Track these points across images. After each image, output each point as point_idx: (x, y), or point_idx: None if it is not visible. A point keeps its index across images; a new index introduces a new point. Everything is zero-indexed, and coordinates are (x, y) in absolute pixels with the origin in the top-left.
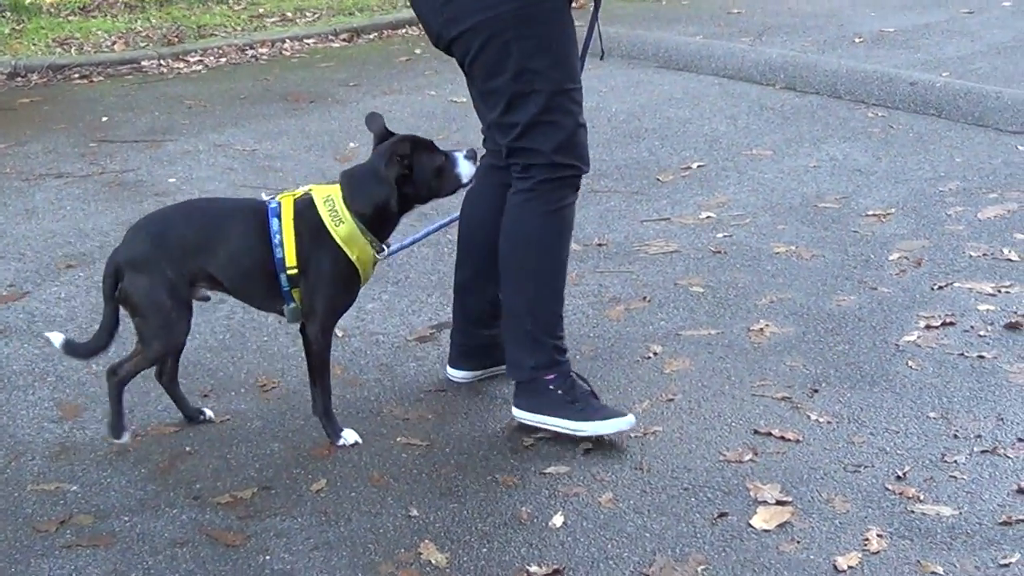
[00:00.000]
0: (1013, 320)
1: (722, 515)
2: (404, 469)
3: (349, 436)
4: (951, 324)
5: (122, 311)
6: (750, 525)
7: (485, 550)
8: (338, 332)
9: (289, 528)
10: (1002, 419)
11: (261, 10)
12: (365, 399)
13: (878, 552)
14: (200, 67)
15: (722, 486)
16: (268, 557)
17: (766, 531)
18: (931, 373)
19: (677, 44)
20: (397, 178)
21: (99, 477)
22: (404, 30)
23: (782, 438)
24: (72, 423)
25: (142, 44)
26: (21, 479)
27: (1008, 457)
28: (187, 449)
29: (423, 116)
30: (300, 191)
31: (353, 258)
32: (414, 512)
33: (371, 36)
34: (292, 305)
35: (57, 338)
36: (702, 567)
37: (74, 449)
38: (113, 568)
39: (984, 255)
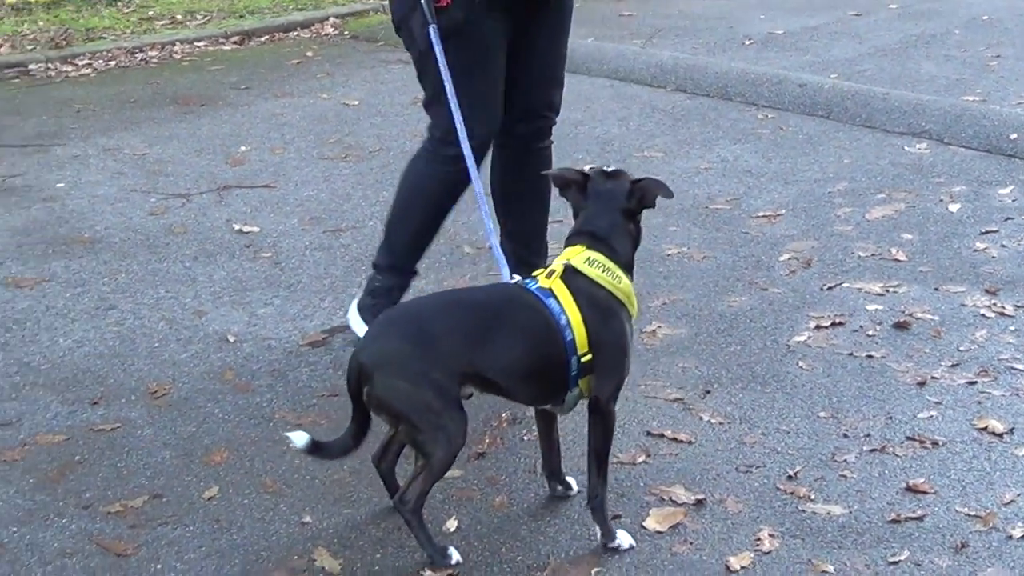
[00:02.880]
0: (901, 319)
1: (615, 517)
2: (297, 475)
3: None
4: (840, 324)
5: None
6: (643, 527)
7: (379, 555)
8: (229, 338)
9: (181, 536)
10: (891, 418)
11: (151, 12)
12: (257, 405)
13: (770, 552)
14: (89, 70)
15: (615, 488)
16: (160, 566)
17: (659, 532)
18: (821, 373)
19: (569, 46)
20: (633, 212)
21: None
22: (296, 33)
23: (675, 439)
24: None
25: (29, 47)
26: None
27: (897, 455)
28: (76, 458)
29: (315, 119)
30: (552, 267)
31: (634, 313)
32: (307, 519)
33: (262, 39)
34: (575, 391)
35: (301, 438)
36: (595, 569)
37: None
38: None
39: (872, 255)
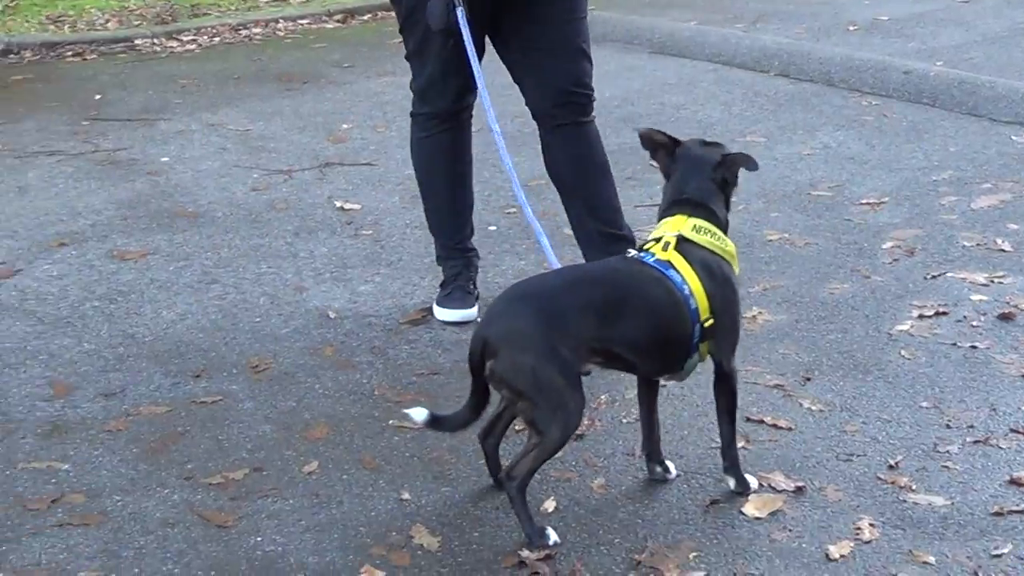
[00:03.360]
0: (1006, 310)
1: (714, 502)
2: (396, 452)
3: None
4: (944, 314)
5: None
6: (742, 512)
7: (477, 534)
8: (330, 314)
9: (280, 510)
10: (994, 409)
11: None
12: (357, 382)
13: (870, 541)
14: (194, 46)
15: (714, 473)
16: (259, 538)
17: (758, 519)
18: (924, 363)
19: (671, 30)
20: (722, 181)
21: (91, 456)
22: None
23: (774, 426)
24: (64, 401)
25: (136, 23)
26: (12, 457)
27: (1000, 448)
28: (179, 430)
29: None
30: (659, 235)
31: (737, 271)
32: (406, 495)
33: (365, 17)
34: (695, 357)
35: (420, 414)
36: (694, 554)
37: (66, 428)
38: (104, 547)
39: (977, 245)
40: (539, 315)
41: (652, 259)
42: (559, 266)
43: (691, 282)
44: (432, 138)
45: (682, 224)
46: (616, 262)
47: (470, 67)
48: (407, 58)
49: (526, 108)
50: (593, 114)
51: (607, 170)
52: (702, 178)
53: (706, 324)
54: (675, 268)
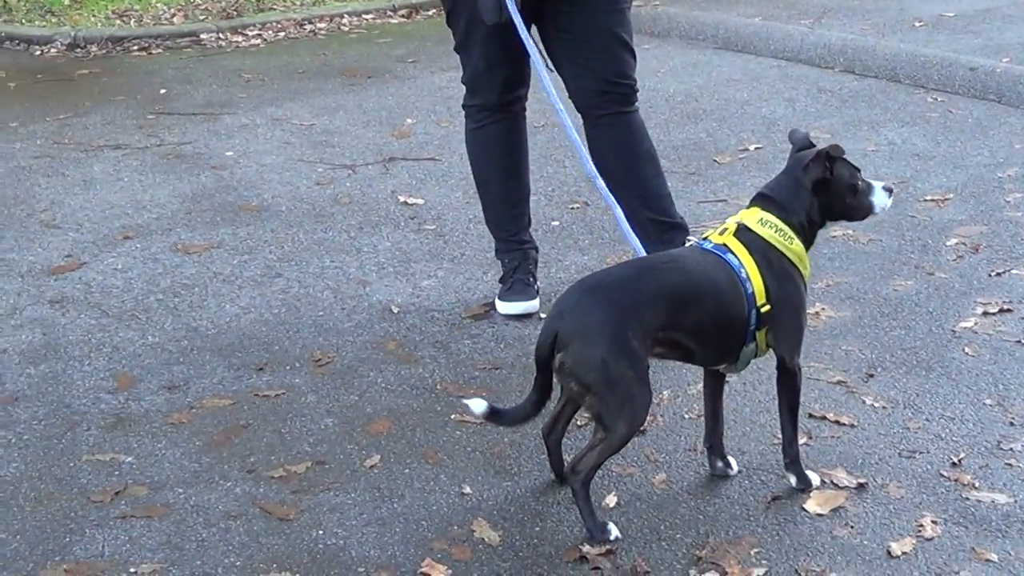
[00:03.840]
0: None
1: (776, 498)
2: (458, 447)
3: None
4: (1008, 311)
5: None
6: (804, 509)
7: (538, 529)
8: (393, 308)
9: (342, 503)
10: None
11: None
12: (420, 376)
13: (932, 539)
14: (259, 41)
15: (776, 469)
16: (321, 532)
17: (820, 515)
18: (987, 360)
19: (736, 25)
20: (816, 182)
21: (154, 448)
22: None
23: (837, 422)
24: (128, 394)
25: (201, 17)
26: (77, 449)
27: None
28: (241, 423)
29: None
30: (725, 226)
31: (806, 275)
32: (467, 490)
33: (430, 12)
34: (751, 346)
35: (479, 406)
36: (755, 550)
37: (129, 420)
38: (167, 539)
39: None
40: (611, 307)
41: (710, 245)
42: (643, 252)
43: (748, 266)
44: (483, 129)
45: (749, 215)
46: (678, 250)
47: (527, 55)
48: (455, 50)
49: None
50: (636, 104)
51: (654, 158)
52: (787, 177)
53: (763, 309)
54: (732, 252)
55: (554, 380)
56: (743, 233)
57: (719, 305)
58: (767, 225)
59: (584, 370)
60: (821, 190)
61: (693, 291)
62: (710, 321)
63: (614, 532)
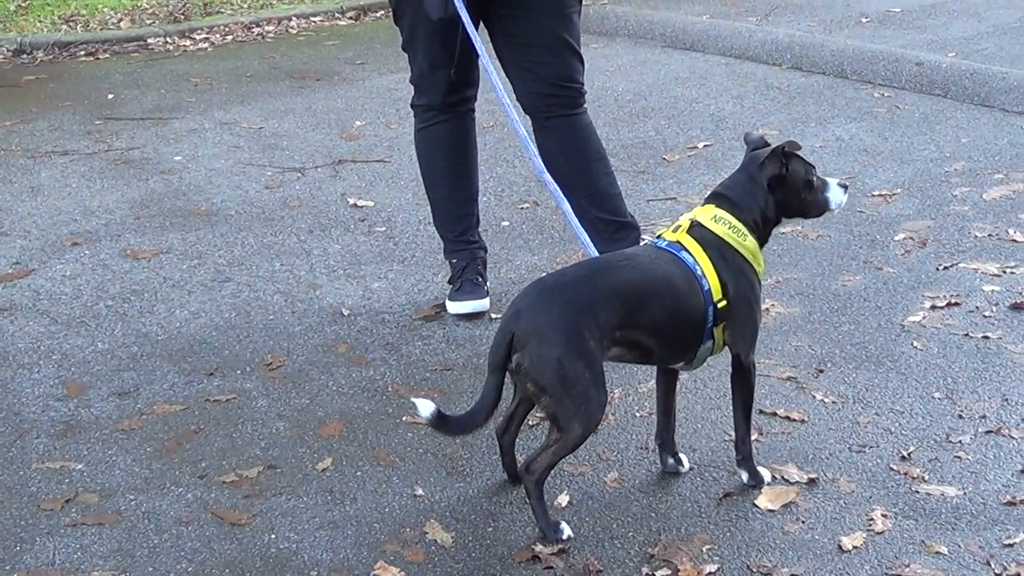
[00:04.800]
0: (1018, 300)
1: (727, 495)
2: (410, 448)
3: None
4: (956, 304)
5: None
6: (755, 505)
7: (491, 529)
8: (343, 311)
9: (294, 507)
10: (1007, 399)
11: None
12: (371, 378)
13: (883, 532)
14: (206, 45)
15: (727, 466)
16: (273, 536)
17: (771, 511)
18: (936, 353)
19: (684, 24)
20: (772, 179)
21: (104, 455)
22: None
23: (787, 418)
24: (77, 401)
25: (148, 21)
26: (26, 457)
27: (1012, 438)
28: (192, 428)
29: None
30: (679, 223)
31: (760, 271)
32: (420, 491)
33: (378, 14)
34: (708, 344)
35: (426, 407)
36: (707, 546)
37: (79, 427)
38: (118, 546)
39: (989, 235)
40: (567, 307)
41: (664, 243)
42: (594, 251)
43: (702, 263)
44: (430, 129)
45: (703, 213)
46: (633, 249)
47: (474, 54)
48: (403, 48)
49: None
50: (584, 106)
51: (603, 158)
52: (743, 175)
53: (719, 305)
54: (687, 249)
55: (505, 381)
56: (696, 229)
57: (676, 302)
58: (720, 222)
59: (540, 371)
60: (777, 187)
61: (649, 289)
62: (667, 319)
63: (567, 531)
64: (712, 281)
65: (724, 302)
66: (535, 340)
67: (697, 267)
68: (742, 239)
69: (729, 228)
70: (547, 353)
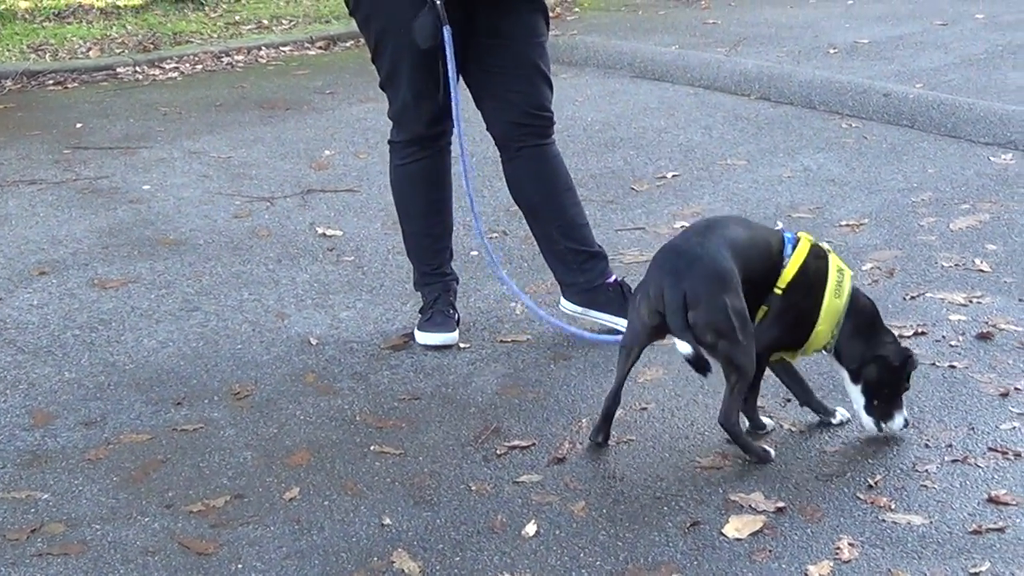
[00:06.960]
0: (984, 330)
1: (695, 524)
2: (377, 478)
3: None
4: (923, 334)
5: None
6: (722, 534)
7: (458, 559)
8: (312, 340)
9: (261, 536)
10: (973, 428)
11: (237, 17)
12: (339, 407)
13: (850, 561)
14: (176, 74)
15: (695, 495)
16: (240, 566)
17: (738, 540)
18: None
19: (653, 54)
20: (876, 359)
21: (71, 485)
22: None
23: None
24: (44, 431)
25: (117, 51)
26: None
27: (978, 466)
28: (159, 457)
29: None
30: (822, 244)
31: (817, 328)
32: (387, 521)
33: (348, 44)
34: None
35: (684, 347)
36: (674, 575)
37: (45, 457)
38: None
39: (956, 265)
40: (714, 258)
41: (790, 234)
42: (526, 299)
43: (794, 262)
44: (408, 166)
45: (839, 262)
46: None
47: (447, 86)
48: (381, 87)
49: None
50: (553, 136)
51: (572, 188)
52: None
53: (776, 292)
54: (794, 245)
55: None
56: (819, 254)
57: (762, 268)
58: (839, 273)
59: (720, 320)
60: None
61: (755, 252)
62: (757, 272)
63: (772, 452)
64: (786, 274)
65: (780, 291)
66: (705, 294)
67: (791, 247)
68: (834, 296)
69: (837, 283)
70: (720, 303)
